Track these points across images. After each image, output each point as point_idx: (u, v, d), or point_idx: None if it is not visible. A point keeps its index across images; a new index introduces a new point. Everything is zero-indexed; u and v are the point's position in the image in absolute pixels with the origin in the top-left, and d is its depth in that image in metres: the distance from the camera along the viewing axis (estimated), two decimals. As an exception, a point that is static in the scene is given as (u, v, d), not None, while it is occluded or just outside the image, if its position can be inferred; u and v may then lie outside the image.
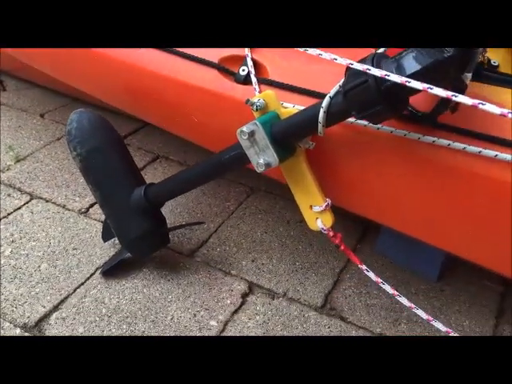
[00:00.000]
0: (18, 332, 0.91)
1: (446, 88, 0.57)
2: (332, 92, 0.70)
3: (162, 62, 0.95)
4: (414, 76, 0.60)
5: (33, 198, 1.25)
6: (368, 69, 0.61)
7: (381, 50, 0.71)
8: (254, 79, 0.86)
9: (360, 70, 0.62)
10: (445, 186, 0.75)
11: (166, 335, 0.92)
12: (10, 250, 1.09)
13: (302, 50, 0.73)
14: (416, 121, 0.72)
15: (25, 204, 1.23)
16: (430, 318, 0.79)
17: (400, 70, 0.61)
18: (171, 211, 1.23)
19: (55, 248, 1.10)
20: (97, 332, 0.92)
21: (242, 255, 1.12)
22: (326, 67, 0.79)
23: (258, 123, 0.75)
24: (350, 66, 0.64)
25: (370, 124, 0.74)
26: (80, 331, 0.92)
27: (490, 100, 0.71)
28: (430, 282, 1.06)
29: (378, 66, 0.63)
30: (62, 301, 0.98)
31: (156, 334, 0.92)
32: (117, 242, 1.06)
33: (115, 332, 0.92)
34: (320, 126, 0.71)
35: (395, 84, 0.60)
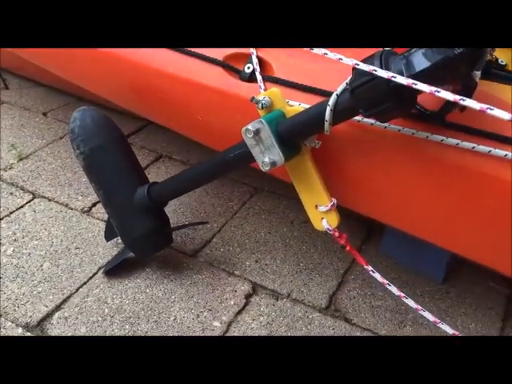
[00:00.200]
0: (19, 332, 0.91)
1: (455, 85, 0.56)
2: (339, 90, 0.69)
3: (166, 59, 0.95)
4: (424, 73, 0.59)
5: (35, 197, 1.25)
6: (375, 70, 0.61)
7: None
8: (259, 77, 0.85)
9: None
10: (453, 185, 0.74)
11: (168, 336, 0.91)
12: (12, 248, 1.09)
13: (307, 49, 0.73)
14: (424, 119, 0.71)
15: (27, 203, 1.22)
16: (437, 321, 0.78)
17: (409, 67, 0.60)
18: (174, 211, 1.22)
19: (58, 247, 1.10)
20: (99, 332, 0.91)
21: (245, 255, 1.11)
22: (332, 65, 0.78)
23: (263, 121, 0.75)
24: (356, 66, 0.64)
25: (377, 122, 0.73)
26: (82, 331, 0.91)
27: (498, 98, 0.71)
28: (436, 283, 1.05)
29: (387, 63, 0.62)
30: (65, 300, 0.97)
31: (159, 335, 0.91)
32: (120, 241, 1.06)
33: (118, 332, 0.91)
34: (326, 124, 0.71)
35: None
